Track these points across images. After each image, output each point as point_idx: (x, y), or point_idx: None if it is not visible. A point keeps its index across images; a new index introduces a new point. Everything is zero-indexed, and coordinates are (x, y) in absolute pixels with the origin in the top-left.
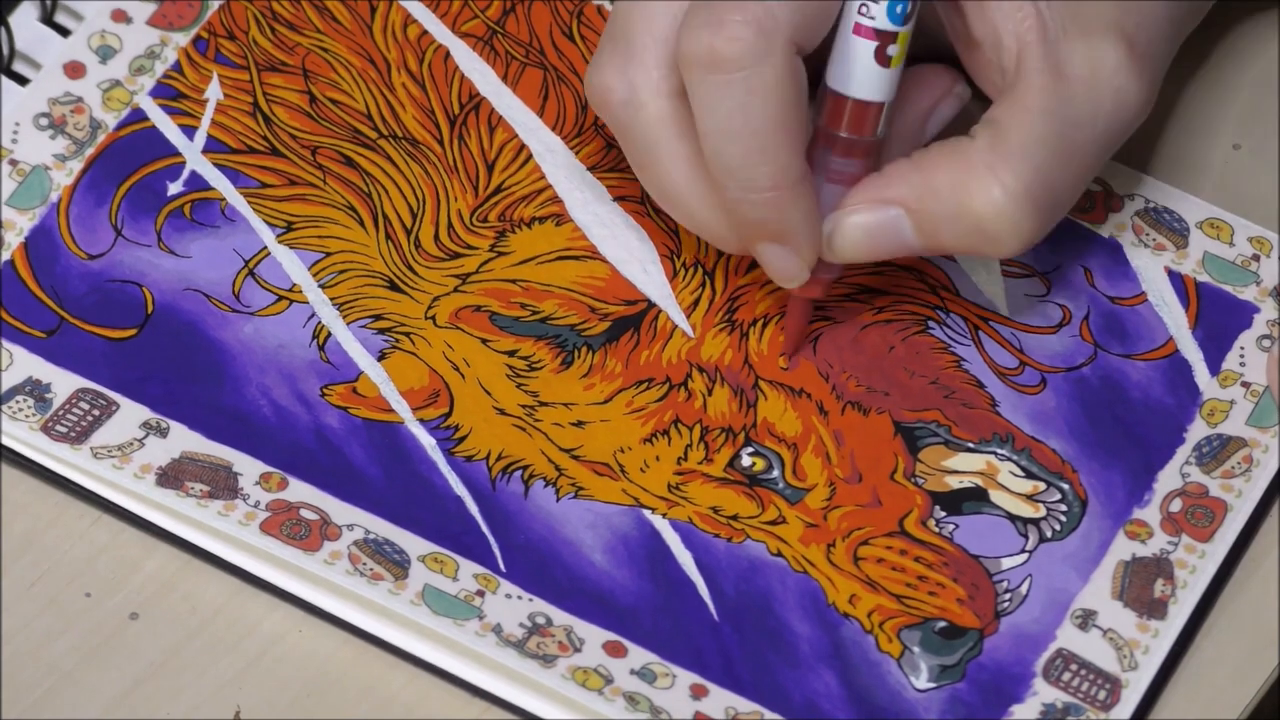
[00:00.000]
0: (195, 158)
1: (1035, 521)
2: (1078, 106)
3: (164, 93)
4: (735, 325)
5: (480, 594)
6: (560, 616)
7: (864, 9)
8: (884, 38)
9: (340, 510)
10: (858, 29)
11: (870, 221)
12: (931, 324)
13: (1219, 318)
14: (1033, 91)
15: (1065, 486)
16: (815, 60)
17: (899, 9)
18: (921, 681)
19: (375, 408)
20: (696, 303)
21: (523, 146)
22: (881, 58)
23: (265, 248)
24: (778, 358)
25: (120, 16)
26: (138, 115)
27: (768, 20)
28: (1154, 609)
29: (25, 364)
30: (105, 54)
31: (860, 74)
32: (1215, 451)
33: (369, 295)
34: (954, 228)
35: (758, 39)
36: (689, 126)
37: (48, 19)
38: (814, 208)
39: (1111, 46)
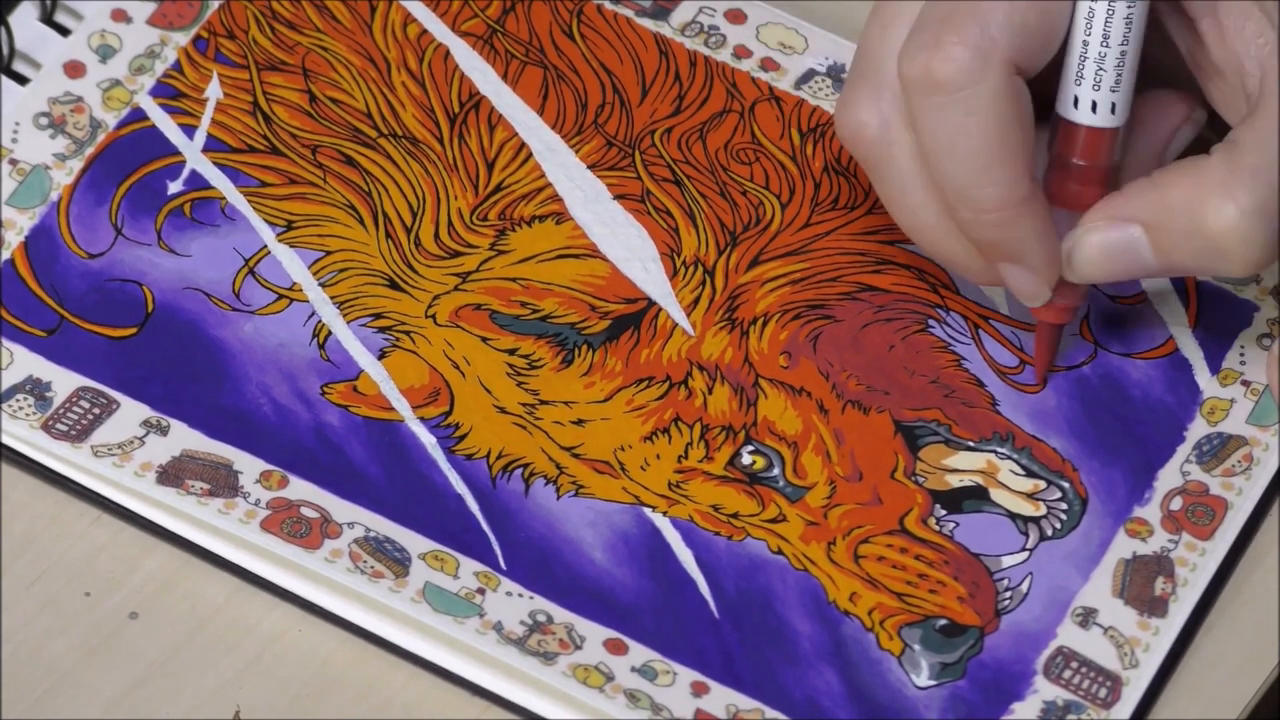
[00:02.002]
0: (195, 157)
1: (1036, 520)
2: None
3: (164, 92)
4: (735, 324)
5: (481, 592)
6: (561, 614)
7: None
8: None
9: (341, 508)
10: None
11: (1108, 240)
12: (932, 323)
13: (1219, 316)
14: (1273, 113)
15: (1066, 485)
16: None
17: None
18: (922, 679)
19: (375, 406)
20: (697, 301)
21: (523, 145)
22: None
23: (265, 246)
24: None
25: (120, 16)
26: (138, 114)
27: (984, 41)
28: (1155, 607)
29: (25, 363)
30: (105, 53)
31: (1085, 99)
32: (1215, 450)
33: (369, 294)
34: (1189, 245)
35: (974, 59)
36: None
37: (48, 18)
38: (1047, 227)
39: None
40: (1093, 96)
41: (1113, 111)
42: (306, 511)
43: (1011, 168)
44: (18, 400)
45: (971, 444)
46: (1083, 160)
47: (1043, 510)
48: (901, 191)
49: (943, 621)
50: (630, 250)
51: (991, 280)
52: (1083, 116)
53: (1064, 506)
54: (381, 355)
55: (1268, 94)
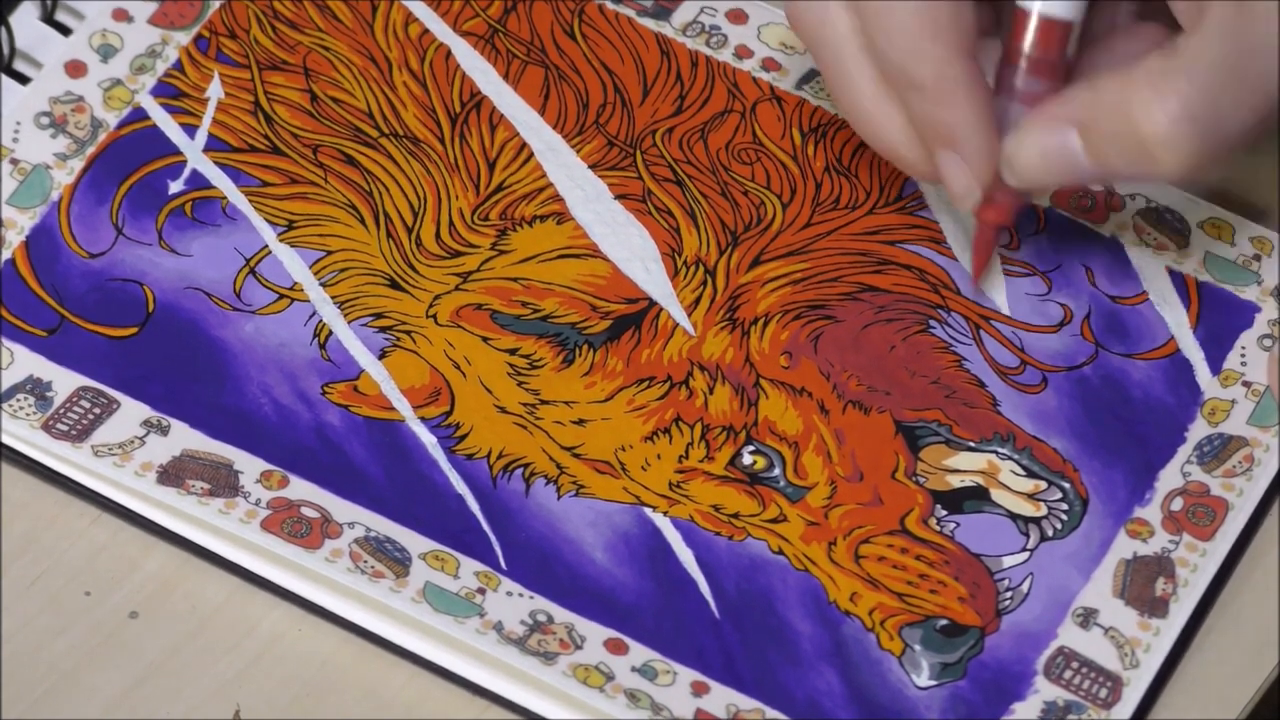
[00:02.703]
0: (196, 156)
1: (1036, 520)
2: (1255, 35)
3: (165, 91)
4: (736, 324)
5: (481, 592)
6: (561, 614)
7: None
8: None
9: (341, 508)
10: None
11: (1043, 141)
12: (933, 323)
13: (1220, 317)
14: (1213, 18)
15: (1066, 485)
16: None
17: None
18: (923, 679)
19: (376, 406)
20: (698, 301)
21: (524, 145)
22: None
23: (266, 246)
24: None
25: (121, 15)
26: (139, 114)
27: None
28: (1155, 607)
29: (26, 362)
30: (106, 53)
31: None
32: (1216, 451)
33: (370, 293)
34: (1118, 146)
35: None
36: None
37: (49, 18)
38: (984, 115)
39: None
40: None
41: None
42: (307, 511)
43: (944, 44)
44: (18, 400)
45: (972, 444)
46: (1035, 52)
47: (1043, 511)
48: (841, 74)
49: (943, 622)
50: (631, 250)
51: (929, 174)
52: (1037, 4)
53: (1065, 507)
54: (382, 355)
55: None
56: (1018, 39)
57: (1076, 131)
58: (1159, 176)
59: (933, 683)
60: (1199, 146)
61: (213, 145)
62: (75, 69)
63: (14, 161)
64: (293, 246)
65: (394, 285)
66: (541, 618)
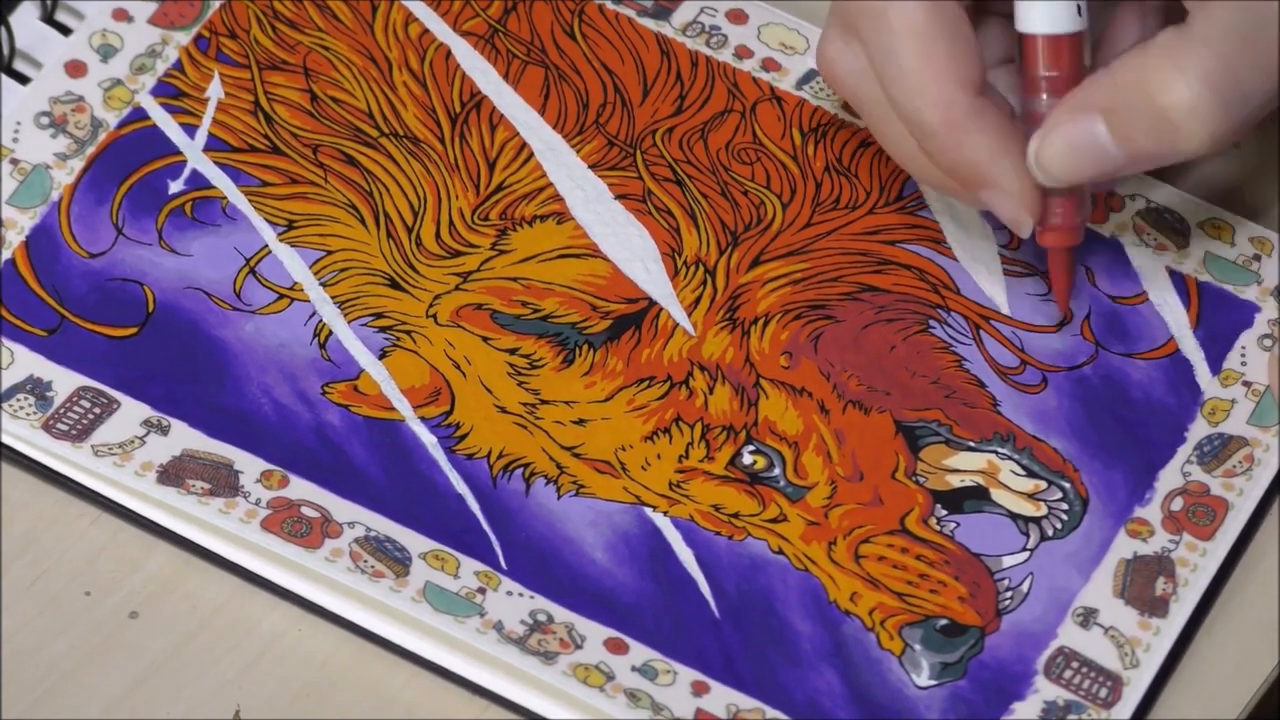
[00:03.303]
0: (196, 156)
1: (1036, 520)
2: (1268, 6)
3: (165, 91)
4: (736, 324)
5: (481, 591)
6: (561, 614)
7: None
8: None
9: (341, 508)
10: None
11: (1070, 134)
12: (933, 323)
13: (1220, 317)
14: None
15: (1066, 485)
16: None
17: None
18: (923, 679)
19: (376, 406)
20: (698, 301)
21: (524, 145)
22: None
23: (266, 246)
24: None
25: (121, 15)
26: (139, 114)
27: None
28: (1155, 607)
29: (26, 362)
30: (106, 53)
31: (1038, 9)
32: (1216, 450)
33: (370, 293)
34: (1143, 124)
35: None
36: None
37: (49, 18)
38: (1004, 145)
39: None
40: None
41: (1080, 13)
42: (307, 511)
43: (942, 86)
44: (18, 400)
45: (972, 444)
46: (1050, 70)
47: (1043, 510)
48: (880, 121)
49: (943, 621)
50: (631, 250)
51: (983, 204)
52: (1040, 25)
53: (1065, 507)
54: (382, 355)
55: None
56: (1031, 66)
57: (1101, 117)
58: (1185, 149)
59: (933, 682)
60: (1221, 113)
61: (213, 145)
62: (75, 69)
63: (14, 161)
64: (293, 246)
65: (394, 285)
66: (542, 617)
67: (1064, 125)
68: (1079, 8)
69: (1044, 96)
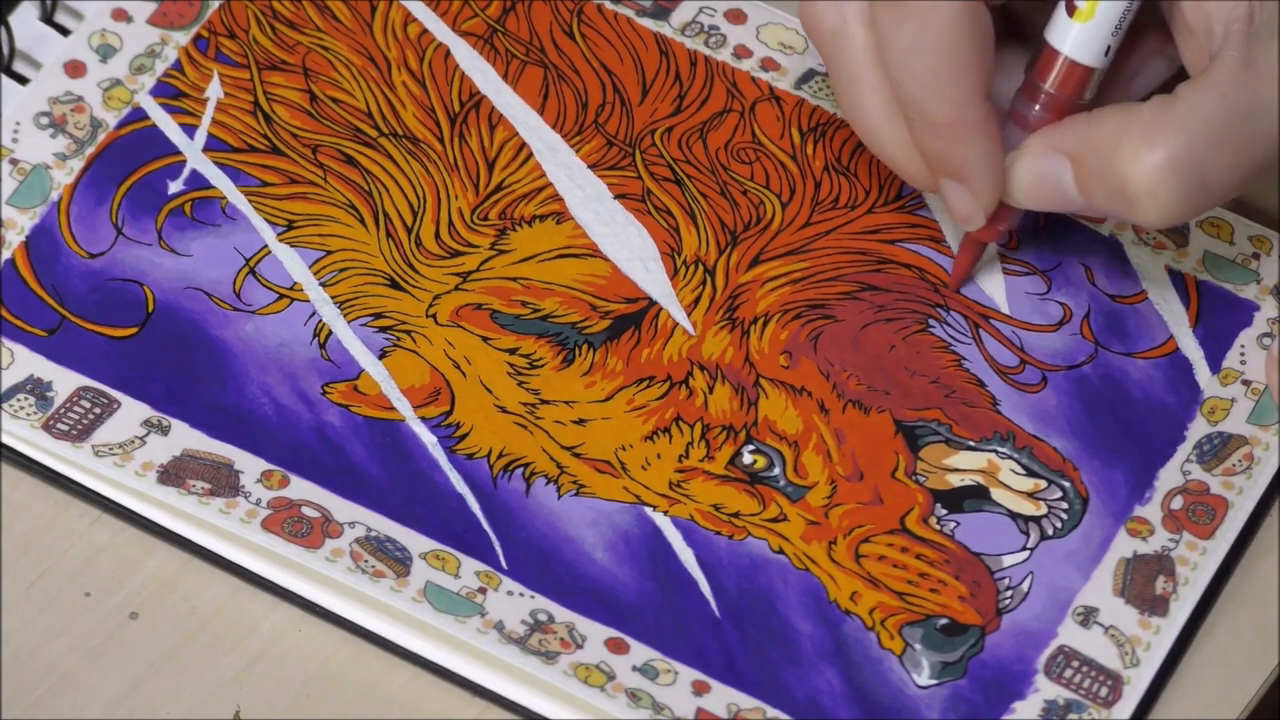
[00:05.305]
0: (196, 156)
1: (1036, 519)
2: (1254, 99)
3: (164, 91)
4: (736, 323)
5: (482, 591)
6: (562, 613)
7: None
8: None
9: (342, 508)
10: None
11: (1038, 167)
12: (932, 323)
13: (1219, 316)
14: (1215, 73)
15: (1066, 484)
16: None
17: None
18: (923, 679)
19: (376, 406)
20: (697, 301)
21: (523, 145)
22: (1070, 7)
23: (266, 246)
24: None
25: (120, 15)
26: (138, 114)
27: None
28: (1155, 606)
29: (26, 362)
30: (106, 53)
31: (1074, 31)
32: (1216, 449)
33: (370, 293)
34: (1103, 186)
35: None
36: None
37: (48, 18)
38: (995, 151)
39: None
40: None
41: (1106, 54)
42: (307, 511)
43: (964, 87)
44: (18, 400)
45: (972, 443)
46: (1056, 90)
47: (1043, 510)
48: (851, 86)
49: (944, 621)
50: (631, 250)
51: (930, 187)
52: (1069, 48)
53: (1065, 506)
54: (382, 355)
55: (1221, 56)
56: (1041, 75)
57: (1068, 162)
58: (1140, 220)
59: (933, 682)
60: (1180, 197)
61: (212, 145)
62: (75, 69)
63: (14, 161)
64: (292, 246)
65: (394, 285)
66: (542, 617)
67: (1034, 157)
68: (1108, 49)
69: (1037, 107)
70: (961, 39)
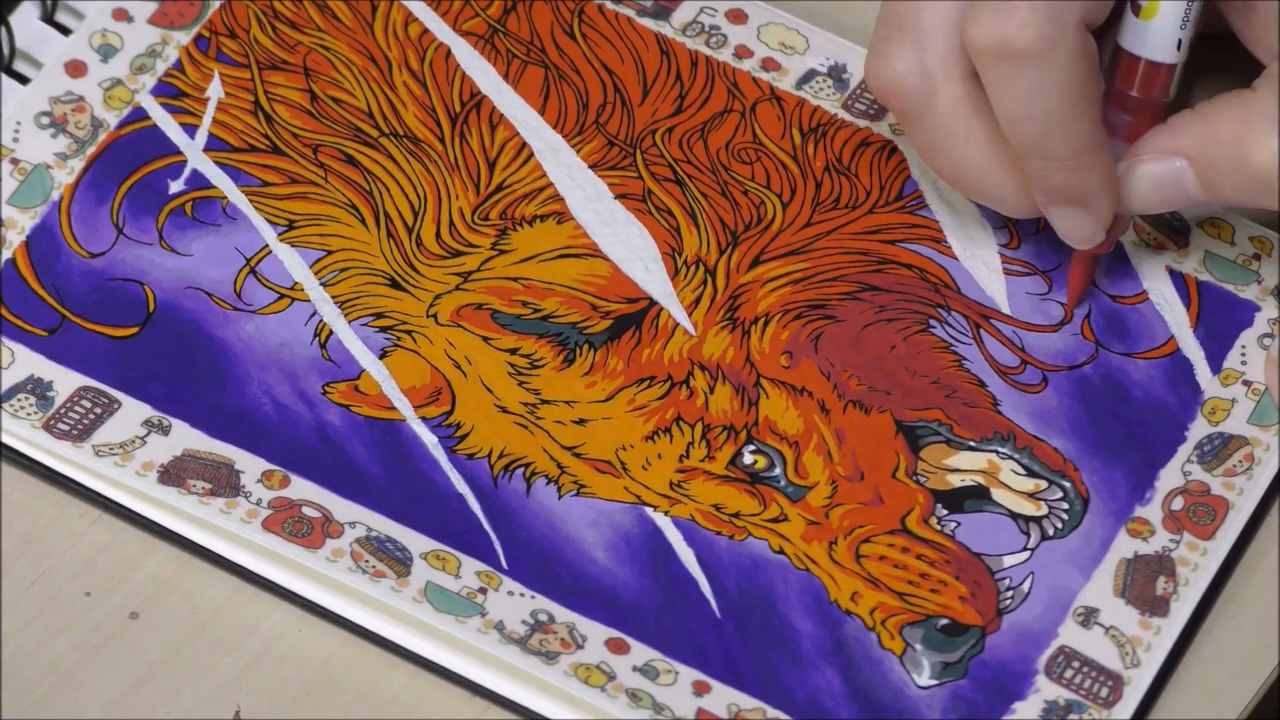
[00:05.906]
0: (197, 156)
1: (1037, 519)
2: None
3: (165, 91)
4: (737, 323)
5: (483, 591)
6: (562, 614)
7: None
8: None
9: (342, 508)
10: None
11: (1156, 171)
12: (933, 323)
13: (1220, 316)
14: None
15: (1067, 484)
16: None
17: None
18: (924, 679)
19: (377, 405)
20: (698, 301)
21: (524, 145)
22: (1134, 6)
23: (267, 246)
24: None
25: (121, 15)
26: (139, 114)
27: (1058, 4)
28: (1156, 606)
29: (27, 362)
30: (106, 53)
31: (1145, 32)
32: (1217, 450)
33: (370, 293)
34: (1234, 179)
35: (1050, 24)
36: (984, 105)
37: (49, 18)
38: (1113, 171)
39: None
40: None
41: (1178, 48)
42: (308, 511)
43: (1085, 119)
44: (19, 400)
45: (973, 444)
46: (1140, 94)
47: (1044, 510)
48: (944, 140)
49: (944, 621)
50: (631, 250)
51: (1030, 214)
52: (1146, 49)
53: (1065, 506)
54: (383, 355)
55: None
56: (1124, 82)
57: (1187, 162)
58: (1275, 206)
59: (934, 682)
60: None
61: (213, 145)
62: (75, 69)
63: (14, 161)
64: (293, 246)
65: (394, 285)
66: (543, 617)
67: (1149, 163)
68: (1179, 41)
69: (1126, 115)
70: (1081, 76)
